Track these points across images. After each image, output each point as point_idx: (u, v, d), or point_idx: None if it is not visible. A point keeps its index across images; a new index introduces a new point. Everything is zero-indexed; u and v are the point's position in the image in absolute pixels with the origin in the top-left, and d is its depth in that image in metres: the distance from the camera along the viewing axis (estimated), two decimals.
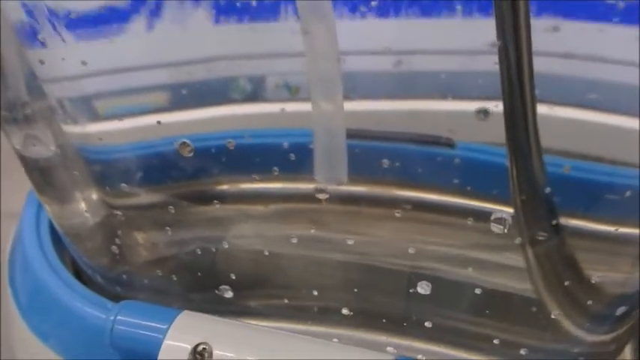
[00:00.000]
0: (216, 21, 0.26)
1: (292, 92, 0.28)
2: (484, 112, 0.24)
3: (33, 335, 0.33)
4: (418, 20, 0.25)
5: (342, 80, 0.26)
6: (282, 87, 0.28)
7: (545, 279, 0.28)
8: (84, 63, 0.27)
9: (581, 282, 0.28)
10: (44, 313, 0.33)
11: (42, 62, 0.28)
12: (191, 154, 0.28)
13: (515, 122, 0.24)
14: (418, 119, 0.27)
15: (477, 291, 0.29)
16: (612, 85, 0.24)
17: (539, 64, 0.24)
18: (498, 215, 0.26)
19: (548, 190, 0.26)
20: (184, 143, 0.28)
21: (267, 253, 0.30)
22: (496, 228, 0.26)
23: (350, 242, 0.29)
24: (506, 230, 0.26)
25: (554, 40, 0.23)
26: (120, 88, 0.29)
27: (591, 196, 0.26)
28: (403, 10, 0.25)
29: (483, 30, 0.23)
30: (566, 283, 0.27)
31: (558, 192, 0.26)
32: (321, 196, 0.28)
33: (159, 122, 0.28)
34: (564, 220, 0.27)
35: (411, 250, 0.29)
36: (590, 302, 0.28)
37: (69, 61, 0.27)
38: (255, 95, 0.28)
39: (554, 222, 0.26)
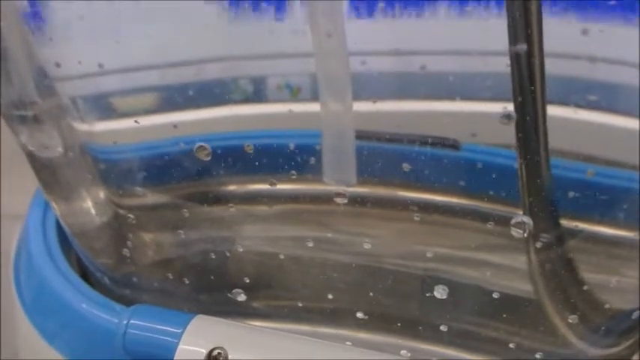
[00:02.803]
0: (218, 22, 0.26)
1: (294, 93, 0.28)
2: (507, 117, 0.24)
3: (38, 335, 0.33)
4: (429, 21, 0.24)
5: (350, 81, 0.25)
6: (283, 88, 0.27)
7: (551, 282, 0.28)
8: (101, 66, 0.27)
9: (593, 287, 0.28)
10: (50, 313, 0.33)
11: (58, 65, 0.27)
12: (208, 158, 0.27)
13: (526, 126, 0.24)
14: (425, 120, 0.26)
15: (495, 295, 0.28)
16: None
17: (565, 67, 0.23)
18: (518, 219, 0.26)
19: (571, 194, 0.26)
20: (202, 147, 0.27)
21: (282, 257, 0.30)
22: (516, 232, 0.26)
23: (367, 246, 0.29)
24: (525, 234, 0.26)
25: (581, 43, 0.23)
26: (126, 88, 0.28)
27: (609, 201, 0.26)
28: (413, 10, 0.24)
29: (495, 31, 0.23)
30: (585, 288, 0.27)
31: (575, 196, 0.26)
32: (339, 200, 0.28)
33: (175, 126, 0.27)
34: (578, 225, 0.26)
35: (428, 254, 0.28)
36: (606, 306, 0.28)
37: (79, 60, 0.27)
38: (256, 96, 0.28)
39: (560, 226, 0.26)
